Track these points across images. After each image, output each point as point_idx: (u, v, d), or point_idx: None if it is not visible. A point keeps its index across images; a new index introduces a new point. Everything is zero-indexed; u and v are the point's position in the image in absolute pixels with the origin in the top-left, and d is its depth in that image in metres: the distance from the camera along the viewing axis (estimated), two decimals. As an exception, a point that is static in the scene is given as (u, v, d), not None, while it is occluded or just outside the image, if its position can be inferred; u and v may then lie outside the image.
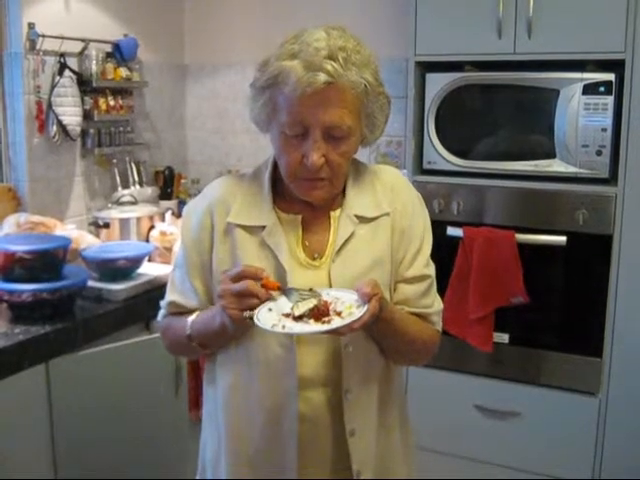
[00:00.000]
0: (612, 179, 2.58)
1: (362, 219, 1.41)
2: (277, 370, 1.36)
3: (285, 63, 1.29)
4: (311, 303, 1.24)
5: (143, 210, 2.99)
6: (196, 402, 2.66)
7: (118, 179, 3.22)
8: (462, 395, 2.86)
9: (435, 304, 1.47)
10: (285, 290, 1.28)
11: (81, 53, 2.98)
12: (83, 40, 2.97)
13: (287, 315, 1.23)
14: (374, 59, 1.35)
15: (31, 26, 2.74)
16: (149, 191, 3.32)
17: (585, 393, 2.69)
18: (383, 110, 1.38)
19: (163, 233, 2.80)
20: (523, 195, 2.69)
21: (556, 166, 2.64)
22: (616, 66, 2.50)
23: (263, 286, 1.26)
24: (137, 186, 3.29)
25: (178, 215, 3.13)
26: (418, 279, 1.44)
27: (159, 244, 2.76)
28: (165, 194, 3.44)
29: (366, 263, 1.39)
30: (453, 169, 2.79)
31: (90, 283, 2.37)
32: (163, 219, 2.96)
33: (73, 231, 2.65)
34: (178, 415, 2.55)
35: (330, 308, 1.24)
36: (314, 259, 1.40)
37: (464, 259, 2.72)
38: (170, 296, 1.49)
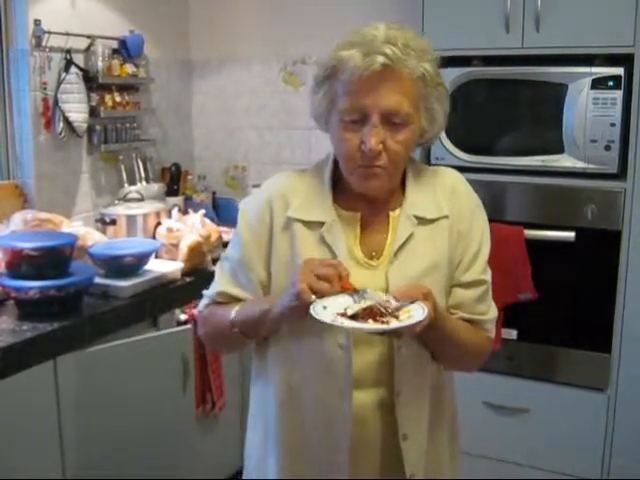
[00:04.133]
0: (621, 174, 2.56)
1: (421, 220, 1.38)
2: (333, 370, 1.34)
3: (343, 52, 1.29)
4: (366, 303, 1.22)
5: (150, 207, 2.98)
6: (203, 398, 2.67)
7: (124, 175, 3.22)
8: (471, 392, 2.84)
9: (490, 311, 1.44)
10: (360, 291, 1.25)
11: (87, 50, 2.98)
12: (89, 37, 2.97)
13: (342, 314, 1.21)
14: (433, 51, 1.35)
15: (37, 23, 2.74)
16: (155, 187, 3.32)
17: (594, 389, 2.68)
18: (442, 102, 1.36)
19: (170, 229, 2.79)
20: (531, 190, 2.67)
21: (564, 161, 2.62)
22: (625, 60, 2.49)
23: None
24: (143, 182, 3.29)
25: (185, 211, 3.13)
26: (474, 284, 1.41)
27: (166, 241, 2.75)
28: (172, 190, 3.44)
29: (424, 266, 1.36)
30: (461, 164, 2.77)
31: (97, 280, 2.36)
32: (170, 215, 2.95)
33: (80, 228, 2.65)
34: (186, 411, 2.55)
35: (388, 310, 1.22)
36: (371, 258, 1.38)
37: (472, 255, 2.71)
38: (220, 286, 1.47)
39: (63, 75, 2.83)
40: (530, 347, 2.77)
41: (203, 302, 1.52)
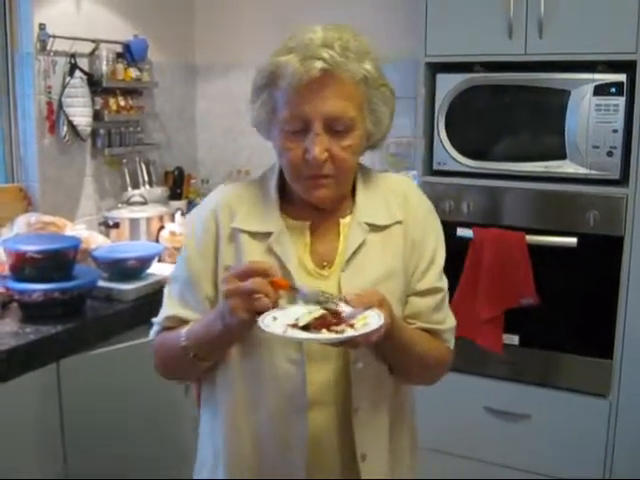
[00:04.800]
0: (623, 180, 2.56)
1: (373, 227, 1.33)
2: (286, 388, 1.27)
3: (280, 58, 1.25)
4: (318, 313, 1.14)
5: (153, 210, 3.00)
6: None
7: (128, 179, 3.23)
8: (472, 397, 2.85)
9: (447, 320, 1.40)
10: (297, 289, 1.19)
11: (92, 54, 2.99)
12: (94, 41, 2.98)
13: (293, 325, 1.13)
14: (374, 50, 1.28)
15: (42, 27, 2.75)
16: (159, 191, 3.33)
17: (595, 395, 2.68)
18: (387, 103, 1.31)
19: (173, 233, 2.80)
20: (533, 196, 2.68)
21: (567, 167, 2.63)
22: (627, 67, 2.49)
23: (272, 284, 1.15)
24: (147, 186, 3.30)
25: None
26: (430, 292, 1.37)
27: (169, 244, 2.77)
28: (175, 194, 3.45)
29: (378, 274, 1.31)
30: (463, 170, 2.78)
31: (100, 283, 2.37)
32: (173, 219, 2.97)
33: (83, 231, 2.66)
34: (188, 415, 2.55)
35: (342, 317, 1.14)
36: (322, 268, 1.33)
37: (474, 260, 2.72)
38: (169, 310, 1.38)
39: (67, 79, 2.85)
40: (532, 353, 2.76)
41: (153, 330, 1.42)
